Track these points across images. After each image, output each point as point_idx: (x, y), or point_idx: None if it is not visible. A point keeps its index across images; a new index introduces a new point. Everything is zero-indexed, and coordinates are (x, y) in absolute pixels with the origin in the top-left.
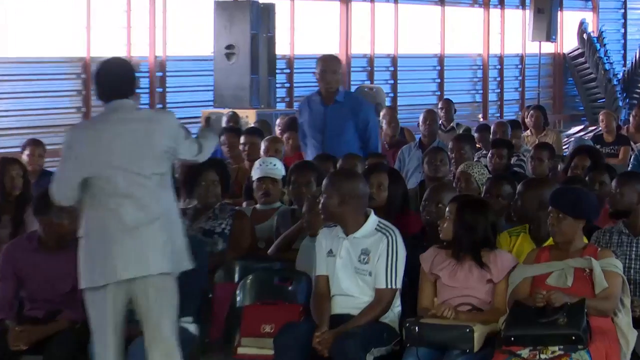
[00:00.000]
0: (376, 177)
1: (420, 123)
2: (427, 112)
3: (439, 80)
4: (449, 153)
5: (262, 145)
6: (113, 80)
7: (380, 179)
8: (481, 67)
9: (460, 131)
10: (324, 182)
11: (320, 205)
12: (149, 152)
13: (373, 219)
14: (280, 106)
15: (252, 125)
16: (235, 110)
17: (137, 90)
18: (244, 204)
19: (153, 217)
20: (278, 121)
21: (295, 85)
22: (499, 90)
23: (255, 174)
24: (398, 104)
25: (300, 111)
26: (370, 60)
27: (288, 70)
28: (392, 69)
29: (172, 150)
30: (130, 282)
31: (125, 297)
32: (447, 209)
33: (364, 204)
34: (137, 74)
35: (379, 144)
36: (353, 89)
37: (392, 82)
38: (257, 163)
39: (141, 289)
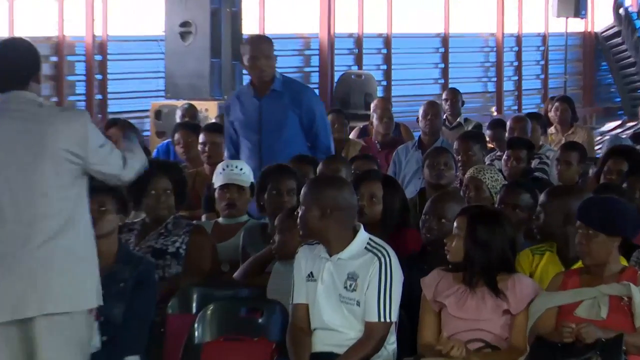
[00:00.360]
0: (367, 187)
1: (420, 118)
2: (429, 104)
3: (442, 66)
4: (455, 155)
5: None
6: (6, 65)
7: (373, 189)
8: (494, 49)
9: (469, 128)
10: (303, 190)
11: (298, 220)
12: (44, 160)
13: (362, 237)
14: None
15: (213, 120)
16: (192, 102)
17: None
18: (203, 217)
19: (44, 239)
20: None
21: None
22: (516, 78)
23: (217, 181)
24: (392, 94)
25: (227, 109)
26: (358, 40)
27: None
28: (384, 51)
29: (80, 160)
30: (22, 321)
31: (21, 338)
32: (454, 224)
33: (351, 217)
34: (39, 58)
35: (332, 143)
36: (337, 76)
37: (384, 67)
38: (219, 167)
39: (35, 330)
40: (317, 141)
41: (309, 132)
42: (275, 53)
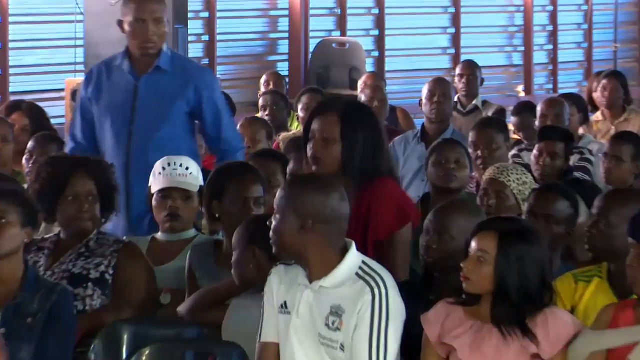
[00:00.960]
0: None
1: (424, 100)
2: (435, 82)
3: (452, 31)
4: (469, 149)
5: None
6: None
7: (328, 125)
8: (521, 8)
9: (489, 113)
10: (279, 194)
11: (271, 232)
12: None
13: (352, 259)
14: None
15: None
16: None
17: None
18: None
19: None
20: None
21: (219, 38)
22: (550, 47)
23: (155, 184)
24: (386, 68)
25: (87, 82)
26: (342, 0)
27: (207, 14)
28: (376, 11)
29: None
30: None
31: None
32: (473, 244)
33: (340, 232)
34: None
35: (242, 144)
36: (313, 45)
37: (376, 33)
38: (157, 166)
39: None
40: (220, 141)
41: (208, 129)
42: (231, 14)
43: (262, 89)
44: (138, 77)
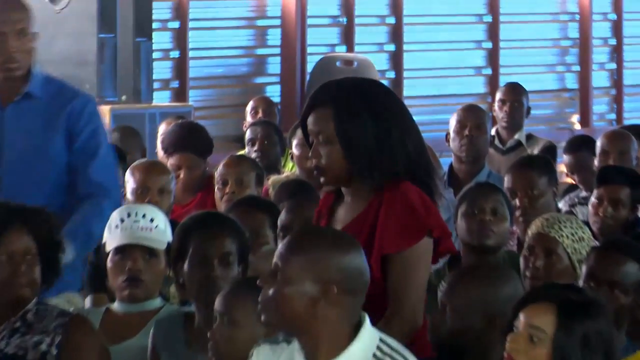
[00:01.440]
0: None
1: (452, 133)
2: (466, 111)
3: (489, 45)
4: (508, 195)
5: (128, 178)
6: None
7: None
8: (577, 16)
9: (535, 150)
10: (283, 250)
11: (260, 305)
12: None
13: (368, 336)
14: (161, 97)
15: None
16: None
17: None
18: (88, 301)
19: None
20: (162, 128)
21: (192, 54)
22: (614, 66)
23: (111, 240)
24: (404, 93)
25: None
26: (347, 3)
27: (177, 24)
28: (391, 20)
29: None
30: None
31: None
32: (520, 317)
33: (358, 302)
34: None
35: (117, 190)
36: (312, 64)
37: (392, 47)
38: (114, 217)
39: None
40: (85, 182)
41: (81, 165)
42: (204, 24)
43: (249, 119)
44: (3, 107)
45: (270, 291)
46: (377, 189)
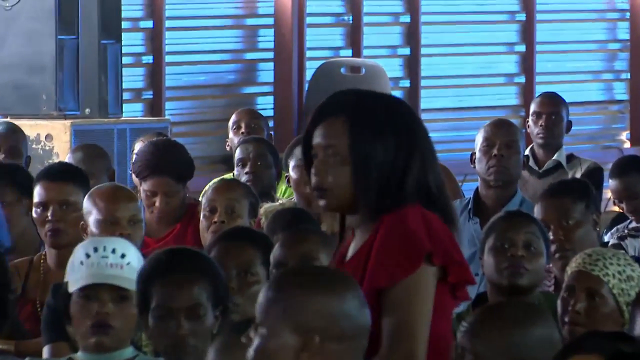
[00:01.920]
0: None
1: (477, 153)
2: (495, 127)
3: (522, 48)
4: (542, 227)
5: (89, 207)
6: None
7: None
8: (627, 14)
9: (578, 173)
10: (262, 298)
11: (252, 353)
12: None
13: None
14: (132, 110)
15: (68, 157)
16: (18, 122)
17: None
18: (45, 352)
19: None
20: (138, 147)
21: (168, 59)
22: None
23: (74, 278)
24: (421, 105)
25: None
26: (353, 1)
27: (151, 24)
28: (406, 19)
29: None
30: None
31: None
32: None
33: (359, 352)
34: None
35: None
36: (311, 70)
37: (406, 51)
38: (78, 251)
39: None
40: None
41: None
42: (182, 23)
43: (231, 135)
44: None
45: (252, 350)
46: (376, 219)
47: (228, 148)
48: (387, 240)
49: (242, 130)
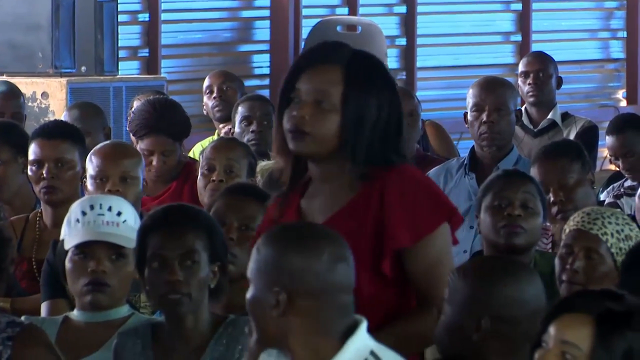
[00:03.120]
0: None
1: (469, 116)
2: (489, 84)
3: (519, 6)
4: (539, 186)
5: (87, 164)
6: None
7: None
8: None
9: (573, 131)
10: (252, 256)
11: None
12: None
13: (355, 347)
14: (128, 68)
15: (64, 116)
16: (14, 80)
17: None
18: (43, 309)
19: None
20: (135, 105)
21: (164, 17)
22: None
23: (69, 237)
24: (417, 64)
25: None
26: None
27: None
28: None
29: None
30: None
31: None
32: (551, 330)
33: (338, 309)
34: None
35: None
36: (307, 29)
37: (402, 9)
38: (74, 209)
39: None
40: None
41: None
42: None
43: (205, 99)
44: None
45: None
46: (363, 176)
47: (205, 112)
48: (409, 198)
49: (215, 94)
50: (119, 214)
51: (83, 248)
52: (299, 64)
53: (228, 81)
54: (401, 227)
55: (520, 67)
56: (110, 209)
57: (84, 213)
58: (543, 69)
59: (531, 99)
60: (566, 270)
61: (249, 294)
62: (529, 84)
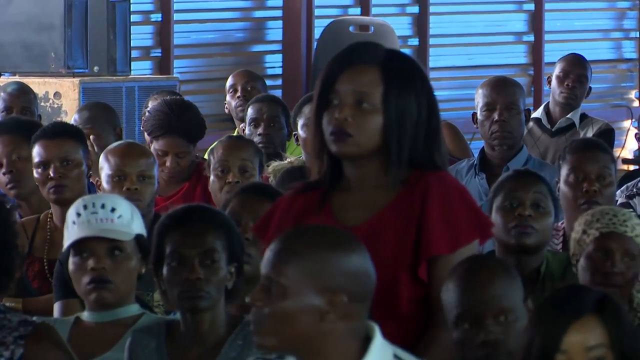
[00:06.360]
0: None
1: (479, 116)
2: (493, 88)
3: (531, 7)
4: (568, 176)
5: (102, 163)
6: None
7: None
8: None
9: (589, 133)
10: (267, 260)
11: (254, 326)
12: None
13: (380, 351)
14: (141, 68)
15: (75, 118)
16: (26, 80)
17: None
18: (56, 309)
19: None
20: (151, 104)
21: (177, 17)
22: None
23: (69, 234)
24: (430, 64)
25: None
26: None
27: None
28: None
29: None
30: None
31: None
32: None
33: (365, 313)
34: None
35: None
36: (320, 29)
37: (415, 10)
38: (70, 213)
39: None
40: None
41: None
42: None
43: (228, 98)
44: None
45: (266, 310)
46: (402, 179)
47: (227, 111)
48: (451, 207)
49: (239, 94)
50: (112, 210)
51: (81, 247)
52: (334, 66)
53: (252, 81)
54: (440, 235)
55: (562, 65)
56: (103, 206)
57: (78, 214)
58: (584, 74)
59: (562, 100)
60: (604, 273)
61: (277, 301)
62: (567, 85)
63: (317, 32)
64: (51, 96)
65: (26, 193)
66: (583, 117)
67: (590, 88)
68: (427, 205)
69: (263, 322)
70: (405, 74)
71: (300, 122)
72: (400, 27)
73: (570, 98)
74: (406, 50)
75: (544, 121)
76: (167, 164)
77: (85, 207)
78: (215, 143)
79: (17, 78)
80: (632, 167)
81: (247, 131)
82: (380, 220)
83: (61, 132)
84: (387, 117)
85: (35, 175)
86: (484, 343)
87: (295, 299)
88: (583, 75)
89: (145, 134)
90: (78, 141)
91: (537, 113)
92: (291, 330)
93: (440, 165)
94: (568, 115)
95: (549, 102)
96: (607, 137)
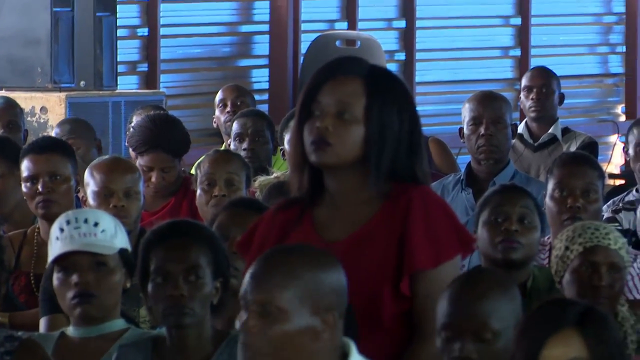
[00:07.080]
0: None
1: (466, 130)
2: (480, 102)
3: (518, 21)
4: (557, 192)
5: (88, 179)
6: None
7: None
8: None
9: (573, 147)
10: (253, 283)
11: (248, 351)
12: None
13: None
14: (127, 83)
15: (56, 130)
16: (13, 95)
17: None
18: (42, 324)
19: None
20: (135, 120)
21: (164, 32)
22: None
23: (54, 248)
24: (416, 79)
25: None
26: None
27: None
28: None
29: None
30: None
31: None
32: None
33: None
34: None
35: None
36: (307, 41)
37: (401, 24)
38: (54, 229)
39: None
40: None
41: None
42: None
43: (217, 113)
44: None
45: (263, 334)
46: (384, 192)
47: (215, 125)
48: (434, 222)
49: (228, 108)
50: (95, 224)
51: (64, 263)
52: (318, 78)
53: (241, 96)
54: (423, 249)
55: (524, 82)
56: (86, 220)
57: (61, 230)
58: (546, 84)
59: (533, 114)
60: (591, 286)
61: (275, 323)
62: (532, 98)
63: (303, 47)
64: (37, 111)
65: (7, 210)
66: (566, 131)
67: (562, 95)
68: (409, 220)
69: (259, 347)
70: (388, 87)
71: (286, 137)
72: (387, 41)
73: (538, 111)
74: (393, 65)
75: (526, 136)
76: (153, 179)
77: (68, 222)
78: (202, 157)
79: (3, 93)
80: (618, 182)
81: (232, 146)
82: (362, 235)
83: (50, 146)
84: (368, 129)
85: (23, 189)
86: (457, 359)
87: (294, 321)
88: (545, 85)
89: (130, 149)
90: (67, 156)
91: (519, 128)
92: (290, 353)
93: (422, 180)
94: (550, 130)
95: (526, 119)
96: (591, 150)
